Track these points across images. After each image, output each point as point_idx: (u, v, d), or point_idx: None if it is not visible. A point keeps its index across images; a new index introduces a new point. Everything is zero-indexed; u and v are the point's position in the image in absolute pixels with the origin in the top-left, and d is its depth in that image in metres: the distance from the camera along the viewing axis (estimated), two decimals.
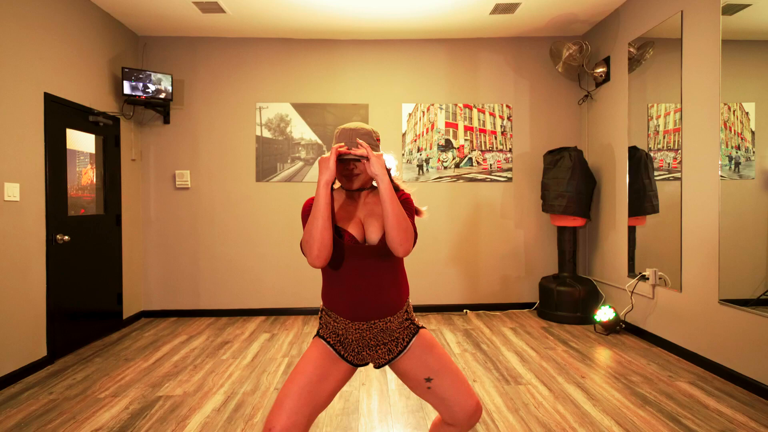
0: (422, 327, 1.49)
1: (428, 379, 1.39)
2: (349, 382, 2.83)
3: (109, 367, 3.12)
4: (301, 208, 4.45)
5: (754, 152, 2.70)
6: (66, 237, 3.30)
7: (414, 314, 1.58)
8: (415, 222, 1.49)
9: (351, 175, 1.40)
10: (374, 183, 1.49)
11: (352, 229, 1.37)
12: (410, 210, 1.42)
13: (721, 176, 2.88)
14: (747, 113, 2.84)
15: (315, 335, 1.48)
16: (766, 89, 2.61)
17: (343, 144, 1.36)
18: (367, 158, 1.31)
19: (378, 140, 1.46)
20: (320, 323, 1.48)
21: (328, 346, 1.41)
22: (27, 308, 2.99)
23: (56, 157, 3.28)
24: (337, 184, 1.53)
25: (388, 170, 1.39)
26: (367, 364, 1.47)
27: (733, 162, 2.87)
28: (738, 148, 2.85)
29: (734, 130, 2.87)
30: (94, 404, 2.53)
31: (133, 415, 2.39)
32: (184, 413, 2.42)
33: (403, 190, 1.47)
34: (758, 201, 2.64)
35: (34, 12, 3.07)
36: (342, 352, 1.42)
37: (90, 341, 3.67)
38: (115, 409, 2.47)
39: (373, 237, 1.37)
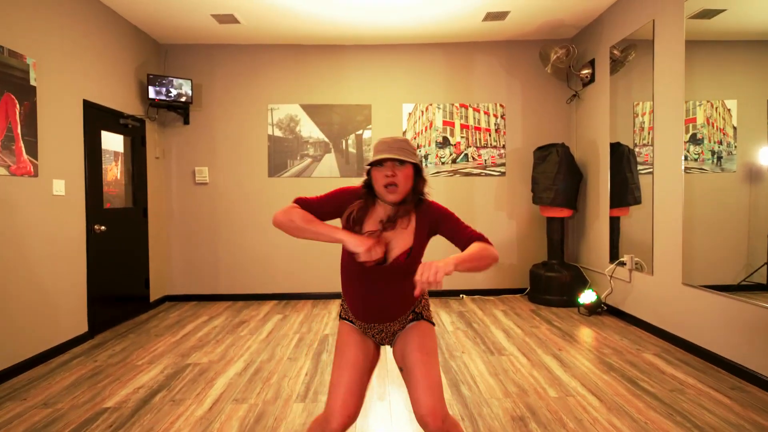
0: (426, 319, 1.51)
1: (400, 369, 1.46)
2: None
3: (142, 341, 3.55)
4: None
5: (735, 147, 2.88)
6: (103, 227, 3.73)
7: (427, 310, 1.55)
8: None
9: (391, 185, 1.37)
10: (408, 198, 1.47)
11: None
12: (457, 221, 1.45)
13: (688, 169, 3.16)
14: (729, 110, 3.10)
15: (339, 318, 1.59)
16: (747, 87, 2.75)
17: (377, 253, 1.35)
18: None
19: (415, 148, 1.46)
20: (342, 307, 1.59)
21: (353, 325, 1.53)
22: (71, 290, 3.42)
23: (93, 156, 3.70)
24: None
25: (423, 183, 1.46)
26: (384, 343, 1.56)
27: (715, 156, 3.08)
28: (720, 143, 3.06)
29: (716, 126, 3.08)
30: (134, 369, 2.96)
31: (168, 377, 2.81)
32: (210, 376, 2.83)
33: (436, 204, 1.48)
34: (739, 193, 2.81)
35: (73, 28, 3.47)
36: (363, 330, 1.53)
37: (122, 321, 4.11)
38: (152, 373, 2.89)
39: (391, 257, 1.40)
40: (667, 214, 3.35)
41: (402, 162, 1.37)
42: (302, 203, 1.47)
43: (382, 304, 1.45)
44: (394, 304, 1.46)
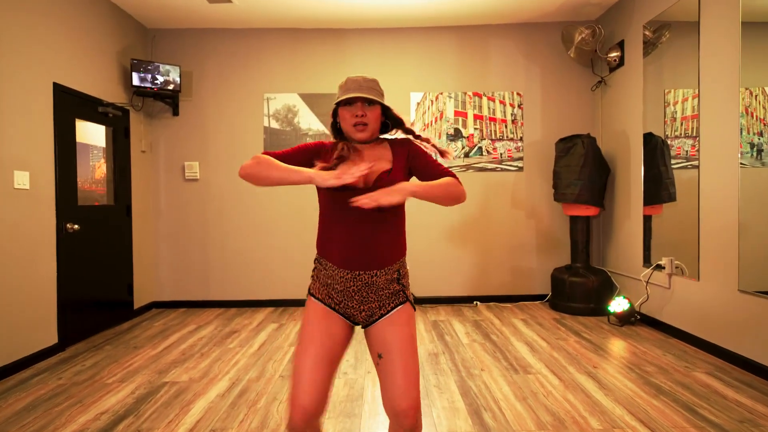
0: (411, 302, 1.41)
1: (379, 355, 1.33)
2: (354, 369, 2.79)
3: (119, 354, 3.15)
4: (305, 199, 4.41)
5: None
6: (76, 226, 3.34)
7: (408, 286, 1.45)
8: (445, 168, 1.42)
9: (361, 124, 1.35)
10: (383, 135, 1.47)
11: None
12: (435, 163, 1.41)
13: (742, 164, 2.75)
14: None
15: (307, 293, 1.42)
16: None
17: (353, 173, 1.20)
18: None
19: (382, 90, 1.42)
20: (312, 275, 1.43)
21: (320, 303, 1.37)
22: (37, 296, 3.03)
23: (66, 147, 3.31)
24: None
25: (402, 126, 1.45)
26: (357, 323, 1.40)
27: (755, 149, 2.76)
28: (760, 134, 2.73)
29: (756, 116, 2.76)
30: (102, 389, 2.55)
31: (138, 400, 2.40)
32: (188, 398, 2.42)
33: (419, 135, 1.47)
34: None
35: (44, 2, 3.10)
36: (332, 305, 1.37)
37: (101, 330, 3.71)
38: (122, 393, 2.48)
39: (373, 178, 1.33)
40: (718, 212, 2.90)
41: (371, 102, 1.36)
42: (269, 155, 1.35)
43: (369, 240, 1.34)
44: (381, 241, 1.35)
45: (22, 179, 2.89)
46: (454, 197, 1.33)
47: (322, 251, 1.40)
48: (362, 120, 1.34)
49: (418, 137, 1.46)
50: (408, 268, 1.46)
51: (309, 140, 4.50)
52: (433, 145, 1.45)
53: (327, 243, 1.39)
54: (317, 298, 1.38)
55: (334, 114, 1.42)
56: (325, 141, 1.46)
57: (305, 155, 1.40)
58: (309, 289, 1.42)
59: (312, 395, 1.24)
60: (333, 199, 1.35)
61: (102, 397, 2.45)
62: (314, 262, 1.43)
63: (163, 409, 2.29)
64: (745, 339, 2.69)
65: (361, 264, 1.34)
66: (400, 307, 1.37)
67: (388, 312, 1.36)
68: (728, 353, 2.80)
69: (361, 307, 1.36)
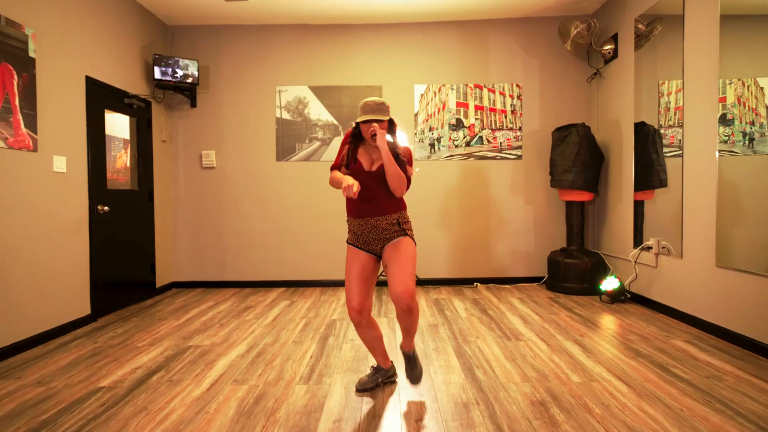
0: (410, 236, 2.09)
1: (386, 265, 2.06)
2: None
3: (145, 324, 3.45)
4: (314, 189, 4.69)
5: None
6: (106, 208, 3.64)
7: (410, 230, 2.12)
8: (411, 176, 2.13)
9: (373, 135, 2.01)
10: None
11: (365, 162, 2.08)
12: (408, 159, 2.09)
13: (733, 152, 2.90)
14: (762, 88, 2.87)
15: (347, 244, 2.16)
16: None
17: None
18: (374, 135, 1.99)
19: (388, 107, 2.06)
20: (348, 231, 2.16)
21: (353, 246, 2.13)
22: (74, 271, 3.33)
23: (96, 134, 3.61)
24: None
25: (390, 142, 2.05)
26: (380, 255, 2.10)
27: (747, 137, 2.88)
28: (752, 123, 2.85)
29: (748, 106, 2.87)
30: (134, 350, 2.84)
31: (167, 359, 2.69)
32: (211, 358, 2.70)
33: (405, 147, 2.13)
34: None
35: (75, 3, 3.38)
36: (360, 246, 2.11)
37: (126, 305, 4.02)
38: (152, 354, 2.78)
39: (374, 168, 2.06)
40: (699, 195, 3.11)
41: (380, 119, 2.03)
42: (333, 169, 2.13)
43: (372, 198, 2.05)
44: (380, 200, 2.06)
45: (59, 163, 3.18)
46: (396, 181, 1.98)
47: (348, 211, 2.13)
48: (374, 132, 1.99)
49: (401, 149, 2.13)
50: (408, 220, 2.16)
51: (318, 130, 4.77)
52: (408, 156, 2.12)
53: (350, 203, 2.11)
54: (351, 244, 2.13)
55: (357, 125, 2.08)
56: (347, 135, 2.15)
57: (342, 150, 2.14)
58: (347, 240, 2.16)
59: (357, 299, 2.05)
60: (353, 172, 2.09)
61: (135, 356, 2.74)
62: (347, 223, 2.17)
63: (190, 366, 2.57)
64: (722, 310, 2.91)
65: (367, 213, 2.06)
66: (399, 238, 2.06)
67: (390, 240, 2.06)
68: (707, 324, 3.02)
69: (377, 243, 2.07)
